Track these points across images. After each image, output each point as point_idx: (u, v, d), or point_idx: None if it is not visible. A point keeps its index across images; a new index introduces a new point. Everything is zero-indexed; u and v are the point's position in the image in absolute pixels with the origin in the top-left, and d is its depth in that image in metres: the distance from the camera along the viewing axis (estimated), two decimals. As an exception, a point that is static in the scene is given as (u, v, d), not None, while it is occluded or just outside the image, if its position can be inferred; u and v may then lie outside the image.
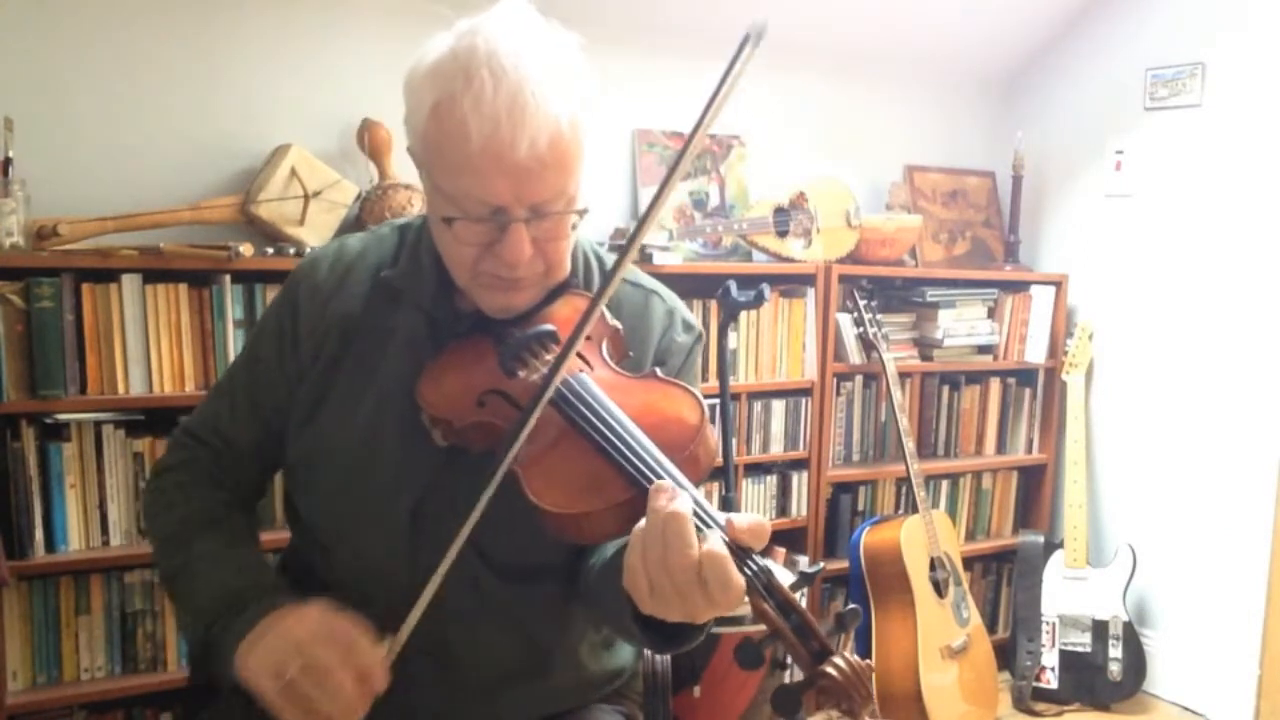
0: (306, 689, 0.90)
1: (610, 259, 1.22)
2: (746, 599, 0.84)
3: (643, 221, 0.95)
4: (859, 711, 0.81)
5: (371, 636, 0.93)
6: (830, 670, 0.80)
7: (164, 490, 1.17)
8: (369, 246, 1.19)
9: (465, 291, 1.09)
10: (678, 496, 0.83)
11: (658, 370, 1.06)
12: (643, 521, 0.85)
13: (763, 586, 0.83)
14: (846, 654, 0.82)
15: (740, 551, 0.84)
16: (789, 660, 0.85)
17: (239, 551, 1.12)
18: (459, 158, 0.97)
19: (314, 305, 1.15)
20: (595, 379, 1.01)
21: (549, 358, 1.03)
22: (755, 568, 0.84)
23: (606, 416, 0.95)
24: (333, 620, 0.95)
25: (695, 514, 0.84)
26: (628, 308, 1.17)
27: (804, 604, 0.84)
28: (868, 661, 0.82)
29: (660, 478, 0.87)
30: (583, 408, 0.96)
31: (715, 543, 0.82)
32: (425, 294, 1.12)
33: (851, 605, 0.84)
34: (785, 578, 0.86)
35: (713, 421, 2.54)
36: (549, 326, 1.06)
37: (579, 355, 1.03)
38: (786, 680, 0.85)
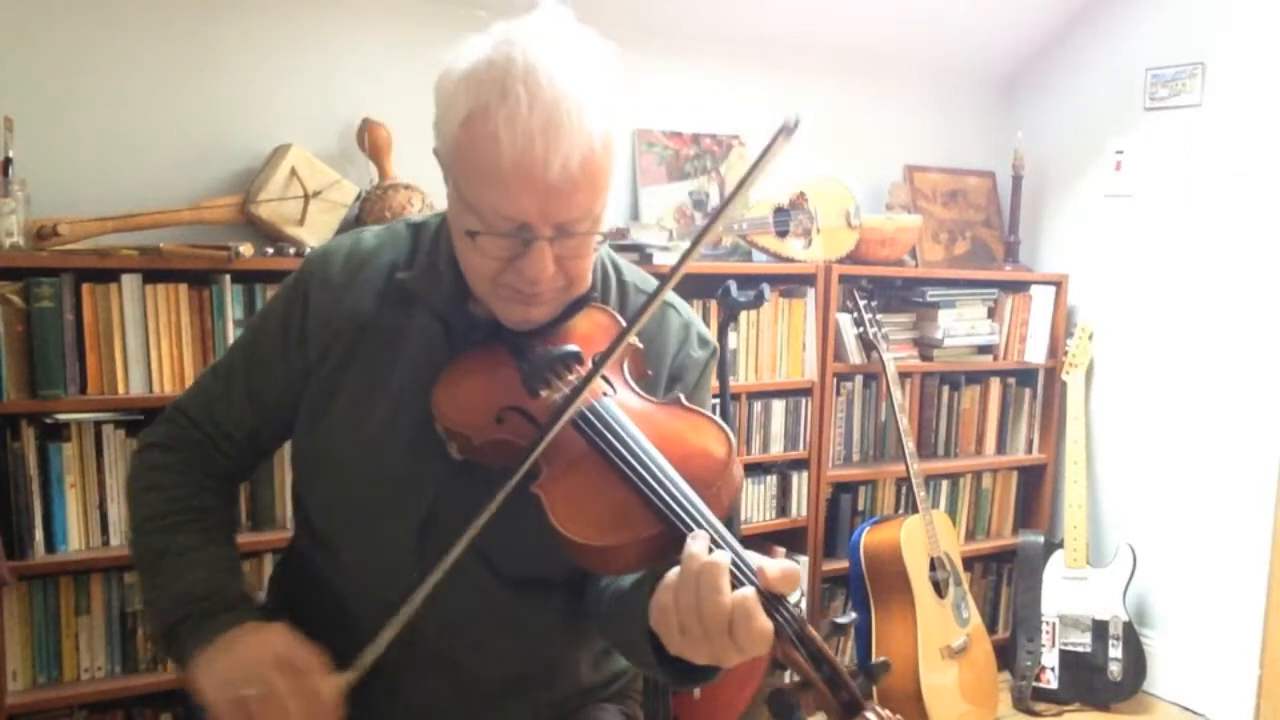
0: (254, 712, 0.91)
1: (626, 267, 1.21)
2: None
3: (684, 256, 0.96)
4: None
5: (328, 668, 0.94)
6: None
7: (151, 467, 1.15)
8: (384, 243, 1.15)
9: (483, 301, 1.07)
10: (714, 547, 0.83)
11: (681, 396, 1.04)
12: (676, 570, 0.84)
13: (794, 635, 0.82)
14: (878, 707, 0.80)
15: (772, 599, 0.82)
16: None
17: (214, 550, 1.09)
18: (488, 172, 0.95)
19: (325, 301, 1.11)
20: (619, 403, 0.99)
21: (573, 379, 1.00)
22: (787, 615, 0.82)
23: (634, 446, 0.93)
24: (293, 649, 0.95)
25: (732, 566, 0.82)
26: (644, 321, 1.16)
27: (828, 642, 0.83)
28: (898, 717, 0.81)
29: (691, 515, 0.87)
30: (609, 435, 0.94)
31: (747, 590, 0.81)
32: (441, 298, 1.09)
33: (882, 658, 0.83)
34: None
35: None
36: (574, 348, 1.02)
37: (602, 376, 1.01)
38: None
